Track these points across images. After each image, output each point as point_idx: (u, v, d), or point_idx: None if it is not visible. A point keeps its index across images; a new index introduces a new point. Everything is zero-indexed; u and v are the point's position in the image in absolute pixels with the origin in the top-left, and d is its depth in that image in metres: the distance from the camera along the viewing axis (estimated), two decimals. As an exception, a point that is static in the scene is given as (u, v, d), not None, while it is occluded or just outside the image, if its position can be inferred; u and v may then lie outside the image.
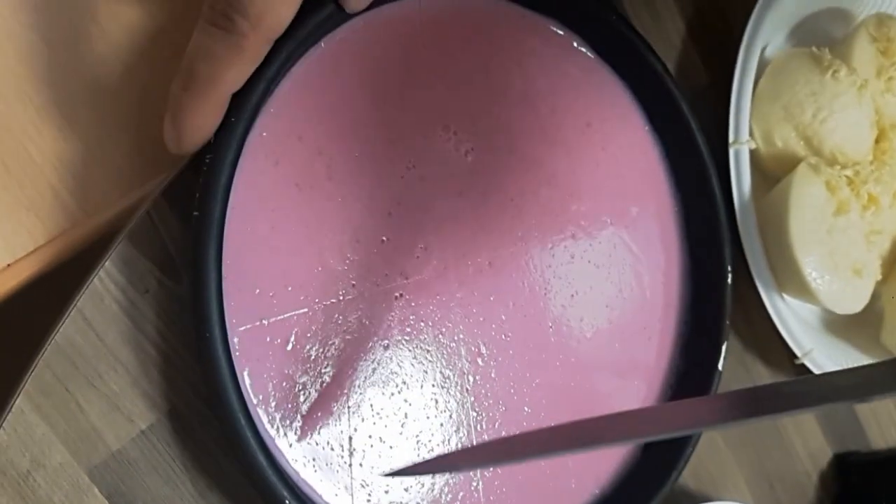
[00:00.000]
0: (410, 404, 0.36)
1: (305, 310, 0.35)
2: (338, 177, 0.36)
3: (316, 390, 0.34)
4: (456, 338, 0.38)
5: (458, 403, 0.38)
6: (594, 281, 0.42)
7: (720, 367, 0.43)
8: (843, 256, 0.47)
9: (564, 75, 0.42)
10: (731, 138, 0.47)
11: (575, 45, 0.42)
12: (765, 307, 0.48)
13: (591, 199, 0.42)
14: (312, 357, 0.34)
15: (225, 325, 0.31)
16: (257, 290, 0.34)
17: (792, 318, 0.49)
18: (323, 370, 0.35)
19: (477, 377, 0.38)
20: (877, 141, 0.53)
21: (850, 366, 0.52)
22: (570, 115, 0.42)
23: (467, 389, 0.38)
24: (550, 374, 0.40)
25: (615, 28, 0.42)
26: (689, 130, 0.44)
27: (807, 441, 0.54)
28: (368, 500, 0.35)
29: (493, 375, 0.38)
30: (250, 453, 0.31)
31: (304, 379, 0.34)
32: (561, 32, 0.42)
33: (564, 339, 0.41)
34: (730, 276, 0.44)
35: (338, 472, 0.34)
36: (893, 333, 0.53)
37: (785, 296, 0.49)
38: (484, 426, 0.38)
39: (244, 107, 0.32)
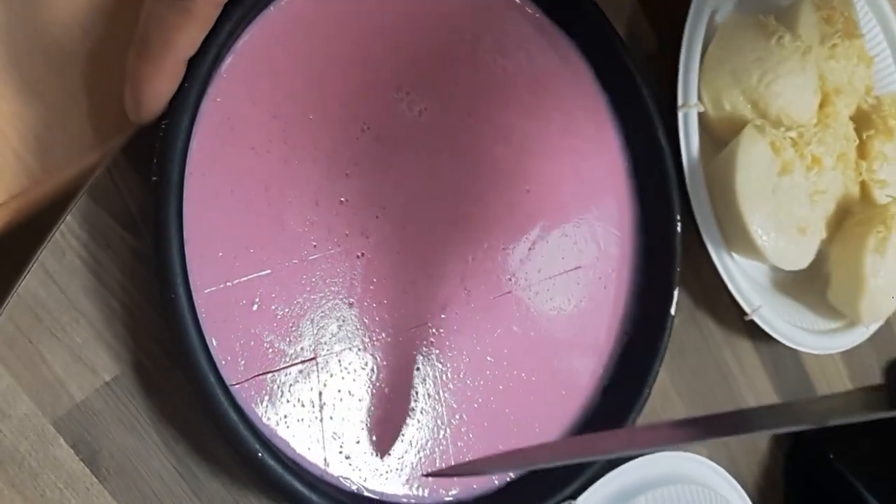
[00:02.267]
0: (377, 358, 0.38)
1: (269, 271, 0.35)
2: (293, 140, 0.36)
3: (283, 349, 0.35)
4: (418, 294, 0.39)
5: (423, 356, 0.39)
6: (550, 235, 0.44)
7: (672, 311, 0.45)
8: (788, 215, 0.49)
9: (515, 37, 0.43)
10: (679, 101, 0.49)
11: (527, 8, 0.44)
12: (714, 266, 0.50)
13: (544, 156, 0.44)
14: (279, 316, 0.35)
15: (190, 288, 0.32)
16: (220, 253, 0.34)
17: (741, 275, 0.50)
18: (290, 329, 0.36)
19: (441, 330, 0.39)
20: (821, 105, 0.55)
21: (798, 322, 0.55)
22: (521, 75, 0.43)
23: (431, 342, 0.39)
24: (511, 324, 0.41)
25: None
26: (638, 89, 0.45)
27: (758, 396, 0.56)
28: (340, 451, 0.36)
29: (455, 328, 0.40)
30: (222, 413, 0.32)
31: (270, 338, 0.35)
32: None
33: (523, 291, 0.42)
34: (679, 225, 0.46)
35: (309, 426, 0.35)
36: (839, 291, 0.55)
37: (733, 254, 0.50)
38: (449, 376, 0.39)
39: (197, 72, 0.32)
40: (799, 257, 0.51)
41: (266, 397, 0.35)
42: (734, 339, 0.55)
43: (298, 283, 0.36)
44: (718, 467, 0.48)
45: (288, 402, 0.35)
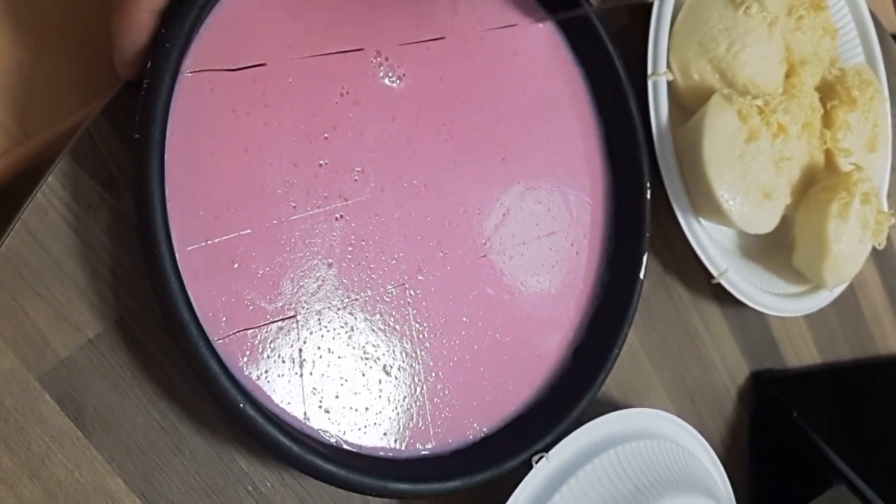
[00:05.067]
0: (356, 317, 0.39)
1: (249, 230, 0.36)
2: (273, 102, 0.37)
3: (264, 307, 0.36)
4: (396, 255, 0.40)
5: (401, 316, 0.40)
6: (524, 201, 0.45)
7: (641, 276, 0.47)
8: (754, 180, 0.51)
9: (493, 8, 0.44)
10: (649, 70, 0.50)
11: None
12: (682, 231, 0.51)
13: (519, 124, 0.45)
14: (259, 275, 0.36)
15: (172, 246, 0.33)
16: (201, 212, 0.35)
17: (708, 241, 0.52)
18: (270, 287, 0.36)
19: (418, 291, 0.40)
20: (787, 76, 0.56)
21: (764, 286, 0.56)
22: (497, 43, 0.44)
23: (409, 303, 0.40)
24: (485, 287, 0.43)
25: None
26: (611, 60, 0.46)
27: (725, 358, 0.58)
28: (320, 406, 0.37)
29: (432, 290, 0.41)
30: (205, 366, 0.33)
31: (251, 296, 0.36)
32: None
33: (498, 255, 0.43)
34: (648, 192, 0.47)
35: (290, 381, 0.36)
36: (804, 256, 0.57)
37: (701, 219, 0.52)
38: (426, 335, 0.40)
39: (177, 32, 0.33)
40: (764, 222, 0.52)
41: (247, 353, 0.36)
42: (702, 302, 0.57)
43: (278, 243, 0.37)
44: (686, 424, 0.50)
45: (269, 357, 0.36)
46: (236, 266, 0.36)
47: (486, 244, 0.43)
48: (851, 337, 0.68)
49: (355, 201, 0.39)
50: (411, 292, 0.40)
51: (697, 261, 0.52)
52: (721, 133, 0.50)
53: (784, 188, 0.54)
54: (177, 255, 0.33)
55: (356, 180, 0.39)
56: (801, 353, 0.64)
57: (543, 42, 0.47)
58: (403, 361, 0.40)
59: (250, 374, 0.36)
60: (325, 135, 0.38)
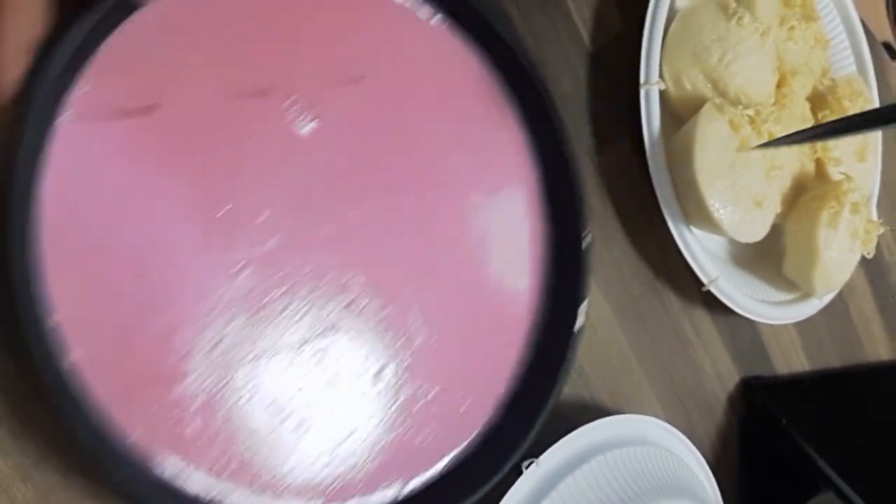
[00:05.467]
0: (254, 381, 0.35)
1: (132, 286, 0.33)
2: (165, 150, 0.34)
3: (148, 370, 0.33)
4: (303, 315, 0.37)
5: (308, 379, 0.37)
6: (450, 251, 0.42)
7: (576, 329, 0.43)
8: (745, 189, 0.51)
9: (416, 43, 0.42)
10: (641, 79, 0.50)
11: (421, 16, 0.42)
12: (673, 238, 0.52)
13: (444, 166, 0.42)
14: (145, 334, 0.33)
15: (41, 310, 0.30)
16: (79, 270, 0.32)
17: (699, 248, 0.53)
18: (157, 346, 0.33)
19: (326, 351, 0.38)
20: (778, 85, 0.57)
21: (754, 294, 0.57)
22: (423, 82, 0.42)
23: (317, 363, 0.37)
24: (411, 337, 0.40)
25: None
26: (543, 98, 0.43)
27: (716, 364, 0.59)
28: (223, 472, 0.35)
29: (348, 342, 0.38)
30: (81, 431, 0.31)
31: (132, 359, 0.33)
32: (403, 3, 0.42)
33: (421, 307, 0.40)
34: (585, 239, 0.44)
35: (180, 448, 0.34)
36: (794, 264, 0.58)
37: (692, 228, 0.52)
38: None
39: (55, 62, 0.30)
40: (755, 230, 0.53)
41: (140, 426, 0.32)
42: (693, 309, 0.57)
43: (170, 299, 0.34)
44: (676, 430, 0.51)
45: (157, 421, 0.33)
46: (120, 326, 0.33)
47: (406, 294, 0.40)
48: (841, 344, 0.69)
49: (259, 253, 0.36)
50: (320, 350, 0.37)
51: (688, 268, 0.53)
52: (712, 142, 0.50)
53: (775, 196, 0.54)
54: (57, 325, 0.31)
55: (259, 230, 0.36)
56: (791, 360, 0.65)
57: (473, 81, 0.44)
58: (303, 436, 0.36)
59: (135, 441, 0.32)
60: (226, 181, 0.36)
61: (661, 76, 0.52)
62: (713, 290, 0.53)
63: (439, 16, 0.42)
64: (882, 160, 0.66)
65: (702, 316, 0.58)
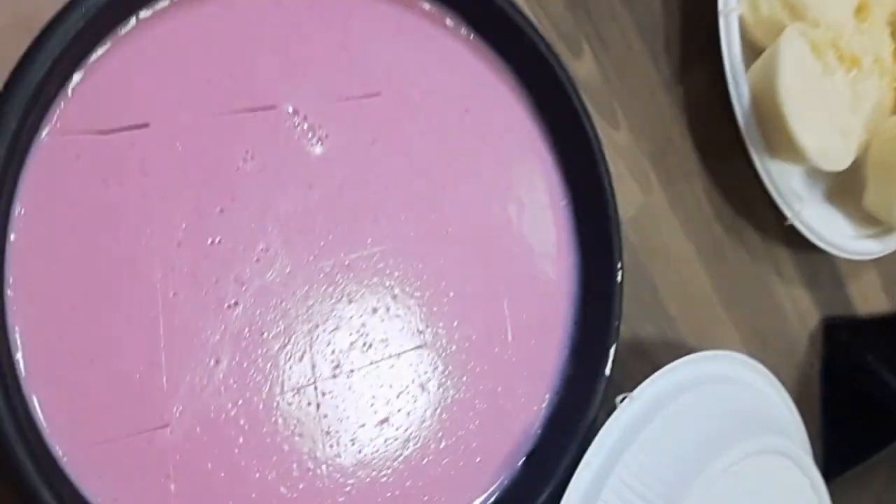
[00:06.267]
0: (247, 426, 0.32)
1: (112, 322, 0.30)
2: (155, 170, 0.32)
3: (128, 414, 0.30)
4: (303, 354, 0.34)
5: (306, 428, 0.34)
6: (469, 286, 0.39)
7: (607, 372, 0.40)
8: (829, 116, 0.49)
9: (437, 56, 0.39)
10: (720, 6, 0.49)
11: (448, 22, 0.39)
12: (754, 174, 0.50)
13: (469, 192, 0.39)
14: (124, 375, 0.30)
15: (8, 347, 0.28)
16: (53, 302, 0.29)
17: (782, 182, 0.51)
18: (137, 391, 0.30)
19: (328, 393, 0.35)
20: (857, 10, 0.55)
21: (834, 229, 0.55)
22: (444, 99, 0.39)
23: (315, 409, 0.34)
24: (419, 384, 0.37)
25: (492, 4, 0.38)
26: (577, 116, 0.40)
27: (796, 303, 0.57)
28: None
29: (349, 389, 0.35)
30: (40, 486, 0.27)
31: (111, 401, 0.30)
32: (430, 8, 0.39)
33: (436, 347, 0.38)
34: (619, 273, 0.40)
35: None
36: (875, 196, 0.56)
37: (775, 160, 0.51)
38: (335, 451, 0.35)
39: (22, 89, 0.28)
40: (839, 158, 0.51)
41: (105, 470, 0.30)
42: (773, 247, 0.56)
43: (152, 337, 0.31)
44: (762, 368, 0.49)
45: (131, 475, 0.30)
46: (93, 363, 0.30)
47: (423, 333, 0.37)
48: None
49: (256, 285, 0.33)
50: (320, 394, 0.34)
51: (769, 204, 0.51)
52: (795, 67, 0.48)
53: (858, 124, 0.52)
54: (19, 361, 0.28)
55: (257, 260, 0.33)
56: (871, 301, 0.63)
57: (502, 98, 0.41)
58: (305, 484, 0.33)
59: (108, 494, 0.29)
60: (220, 208, 0.33)
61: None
62: (796, 224, 0.52)
63: (465, 25, 0.39)
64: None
65: (782, 254, 0.56)
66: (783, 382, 0.55)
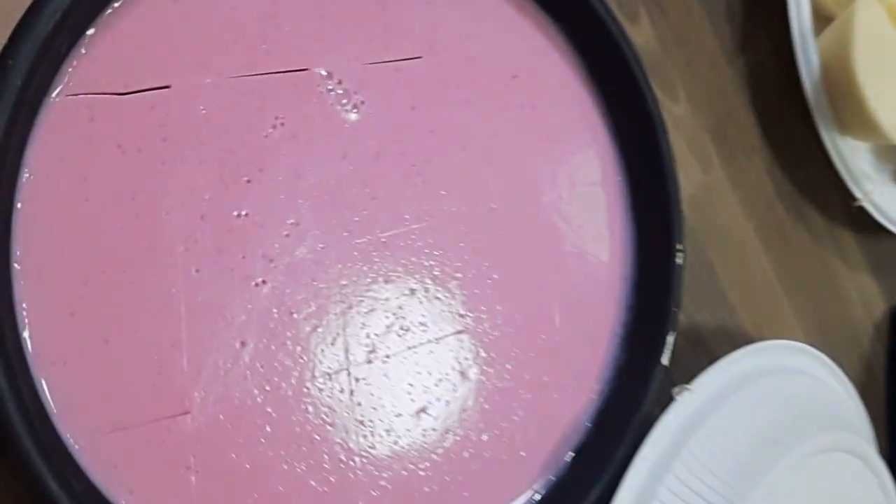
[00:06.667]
0: (272, 414, 0.30)
1: (129, 298, 0.28)
2: (176, 136, 0.29)
3: (146, 400, 0.28)
4: (336, 337, 0.31)
5: (337, 417, 0.31)
6: (515, 264, 0.36)
7: (665, 361, 0.36)
8: (906, 88, 0.46)
9: (483, 17, 0.36)
10: (789, -30, 0.45)
11: None
12: (821, 150, 0.47)
13: (514, 164, 0.36)
14: (142, 357, 0.28)
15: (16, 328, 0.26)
16: (64, 279, 0.27)
17: (852, 160, 0.47)
18: (155, 374, 0.28)
19: (362, 380, 0.32)
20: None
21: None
22: (490, 64, 0.36)
23: (351, 391, 0.32)
24: (460, 371, 0.35)
25: None
26: (635, 83, 0.37)
27: (861, 290, 0.54)
28: None
29: (385, 377, 0.33)
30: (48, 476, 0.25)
31: (128, 386, 0.28)
32: None
33: (479, 332, 0.35)
34: (679, 256, 0.37)
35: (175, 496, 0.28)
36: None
37: (845, 136, 0.47)
38: (369, 442, 0.32)
39: (28, 42, 0.25)
40: (916, 135, 0.47)
41: (121, 460, 0.27)
42: (838, 230, 0.52)
43: (172, 317, 0.28)
44: (826, 359, 0.46)
45: (149, 466, 0.28)
46: (108, 343, 0.27)
47: (464, 317, 0.34)
48: None
49: (285, 263, 0.30)
50: (353, 381, 0.32)
51: (835, 184, 0.48)
52: (871, 36, 0.45)
53: (936, 100, 0.48)
54: (26, 340, 0.26)
55: (287, 235, 0.31)
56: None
57: (553, 63, 0.37)
58: (337, 477, 0.31)
59: (122, 486, 0.27)
60: (247, 178, 0.30)
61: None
62: (866, 205, 0.48)
63: None
64: None
65: (848, 238, 0.53)
66: (845, 372, 0.52)
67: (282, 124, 0.31)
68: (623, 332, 0.38)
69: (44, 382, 0.26)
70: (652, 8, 0.44)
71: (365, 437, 0.32)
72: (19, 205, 0.26)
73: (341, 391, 0.31)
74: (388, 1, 0.34)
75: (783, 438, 0.40)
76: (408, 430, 0.33)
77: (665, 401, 0.37)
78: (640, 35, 0.43)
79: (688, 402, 0.38)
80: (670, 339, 0.36)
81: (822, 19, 0.48)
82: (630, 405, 0.36)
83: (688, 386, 0.38)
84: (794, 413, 0.42)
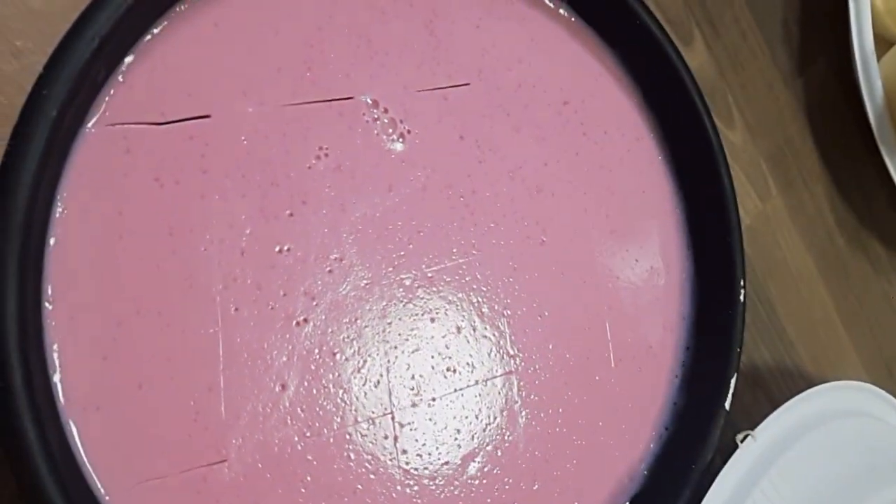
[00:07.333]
0: (316, 462, 0.28)
1: (166, 339, 0.27)
2: (216, 168, 0.28)
3: (180, 447, 0.27)
4: (380, 379, 0.30)
5: (381, 464, 0.30)
6: (567, 301, 0.34)
7: (726, 406, 0.34)
8: (977, 114, 0.43)
9: (533, 41, 0.35)
10: (850, -10, 0.43)
11: (546, 0, 0.35)
12: (881, 181, 0.44)
13: (567, 193, 0.34)
14: (176, 402, 0.26)
15: (35, 378, 0.24)
16: (99, 317, 0.26)
17: (916, 187, 0.45)
18: (190, 421, 0.26)
19: (407, 424, 0.30)
20: None
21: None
22: (542, 90, 0.35)
23: (392, 442, 0.30)
24: (510, 417, 0.33)
25: None
26: (694, 110, 0.35)
27: (926, 326, 0.51)
28: None
29: (429, 421, 0.31)
30: None
31: (159, 431, 0.26)
32: None
33: (530, 371, 0.33)
34: (742, 292, 0.35)
35: None
36: None
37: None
38: (417, 487, 0.30)
39: (65, 70, 0.24)
40: None
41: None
42: (902, 262, 0.50)
43: (210, 357, 0.27)
44: (893, 399, 0.43)
45: None
46: (142, 388, 0.26)
47: (513, 357, 0.33)
48: None
49: (328, 300, 0.29)
50: (397, 426, 0.30)
51: (899, 213, 0.45)
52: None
53: None
54: (56, 385, 0.25)
55: (330, 271, 0.29)
56: None
57: (606, 88, 0.36)
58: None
59: None
60: (289, 211, 0.29)
61: (869, -13, 0.44)
62: (933, 236, 0.46)
63: (564, 4, 0.35)
64: None
65: (912, 270, 0.50)
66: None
67: (326, 155, 0.30)
68: (682, 374, 0.35)
69: (74, 429, 0.25)
70: (706, 29, 0.42)
71: (409, 486, 0.30)
72: (52, 241, 0.25)
73: (385, 437, 0.30)
74: (436, 26, 0.32)
75: (855, 488, 0.37)
76: (455, 479, 0.31)
77: (725, 446, 0.35)
78: (695, 58, 0.41)
79: (751, 449, 0.35)
80: (733, 381, 0.34)
81: (883, 42, 0.46)
82: (690, 452, 0.34)
83: (751, 433, 0.35)
84: (866, 460, 0.39)
